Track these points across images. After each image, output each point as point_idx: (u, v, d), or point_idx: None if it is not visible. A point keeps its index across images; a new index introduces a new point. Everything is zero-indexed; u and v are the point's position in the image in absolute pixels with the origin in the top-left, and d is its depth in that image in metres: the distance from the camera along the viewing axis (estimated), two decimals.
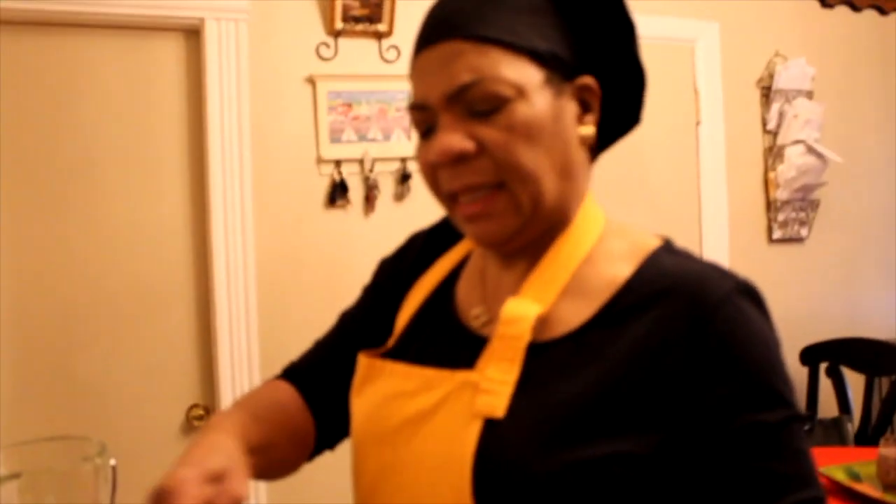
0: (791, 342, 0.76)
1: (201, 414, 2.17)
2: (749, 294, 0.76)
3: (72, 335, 2.07)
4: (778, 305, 0.77)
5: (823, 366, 2.77)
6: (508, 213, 0.78)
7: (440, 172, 0.80)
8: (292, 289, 2.21)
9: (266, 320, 2.17)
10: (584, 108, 0.82)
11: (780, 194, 2.91)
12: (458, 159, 0.77)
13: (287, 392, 0.99)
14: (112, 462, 0.80)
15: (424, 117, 0.81)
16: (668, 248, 0.82)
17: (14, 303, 2.02)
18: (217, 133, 2.12)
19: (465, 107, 0.77)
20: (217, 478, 0.73)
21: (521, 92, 0.76)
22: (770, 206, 2.92)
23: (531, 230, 0.80)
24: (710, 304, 0.73)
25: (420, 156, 0.82)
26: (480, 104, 0.76)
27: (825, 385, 2.76)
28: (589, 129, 0.82)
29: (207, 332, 2.17)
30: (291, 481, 2.28)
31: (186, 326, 2.17)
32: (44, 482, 0.75)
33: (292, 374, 1.02)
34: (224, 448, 0.77)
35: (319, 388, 0.99)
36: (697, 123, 2.79)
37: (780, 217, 2.93)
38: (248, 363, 2.15)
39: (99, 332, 2.09)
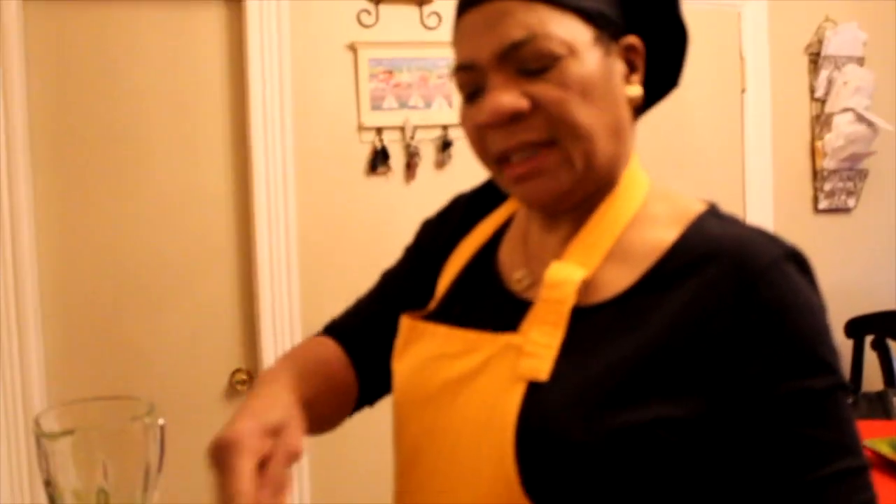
0: (836, 314, 0.76)
1: (244, 379, 2.20)
2: (796, 260, 0.74)
3: (118, 299, 2.11)
4: (823, 277, 0.76)
5: (869, 339, 2.73)
6: (561, 170, 0.77)
7: (489, 134, 0.79)
8: (333, 255, 2.23)
9: (307, 286, 2.19)
10: (631, 68, 0.81)
11: (828, 163, 2.85)
12: (511, 118, 0.76)
13: (331, 348, 1.00)
14: (161, 422, 0.81)
15: (471, 79, 0.79)
16: (713, 212, 0.81)
17: (61, 267, 2.06)
18: (259, 101, 2.13)
19: (516, 65, 0.76)
20: (275, 431, 0.74)
21: (572, 50, 0.75)
22: (816, 175, 2.86)
23: (581, 190, 0.79)
24: (756, 270, 0.72)
25: (467, 119, 0.81)
26: (532, 62, 0.75)
27: (870, 358, 2.72)
28: (636, 90, 0.81)
29: (250, 299, 2.20)
30: (332, 444, 2.31)
31: (229, 292, 2.20)
32: (95, 440, 0.77)
33: (334, 330, 1.03)
34: (282, 401, 0.78)
35: (359, 345, 1.00)
36: (743, 91, 2.74)
37: (827, 187, 2.87)
38: (290, 329, 2.17)
39: (144, 297, 2.13)
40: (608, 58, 0.78)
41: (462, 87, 0.81)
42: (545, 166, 0.77)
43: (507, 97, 0.76)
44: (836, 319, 2.84)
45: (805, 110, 2.84)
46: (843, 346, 2.74)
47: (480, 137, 0.80)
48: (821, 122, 2.85)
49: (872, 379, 2.74)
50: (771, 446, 0.71)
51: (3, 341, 1.92)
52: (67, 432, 0.76)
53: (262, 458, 0.71)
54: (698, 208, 0.81)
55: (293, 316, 2.17)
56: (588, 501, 0.72)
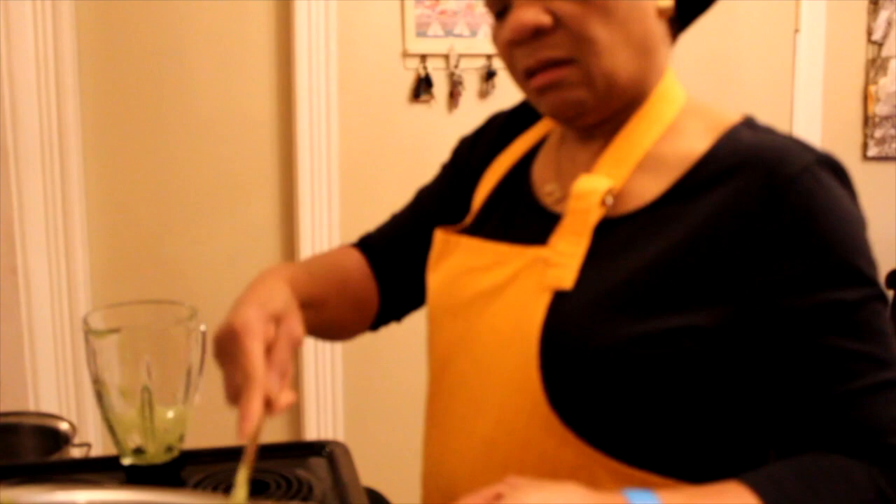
0: (879, 265, 0.75)
1: None
2: (831, 167, 0.73)
3: (161, 220, 2.15)
4: (868, 226, 0.75)
5: None
6: (580, 85, 0.77)
7: (516, 50, 0.79)
8: (374, 181, 2.24)
9: (348, 212, 2.21)
10: None
11: (880, 109, 2.78)
12: (535, 34, 0.77)
13: (354, 258, 1.02)
14: (202, 327, 0.84)
15: None
16: (748, 123, 0.80)
17: (107, 188, 2.10)
18: (304, 24, 2.12)
19: None
20: (277, 319, 0.76)
21: None
22: (868, 121, 2.80)
23: (606, 105, 0.79)
24: (788, 175, 0.71)
25: (496, 36, 0.82)
26: None
27: None
28: (667, 1, 0.79)
29: (290, 224, 2.22)
30: (368, 353, 2.35)
31: (270, 217, 2.22)
32: (140, 339, 0.80)
33: (365, 244, 1.05)
34: (281, 293, 0.80)
35: (390, 259, 1.02)
36: (796, 31, 2.67)
37: (878, 133, 2.81)
38: None
39: (187, 219, 2.16)
40: None
41: (491, 5, 0.82)
42: (563, 79, 0.78)
43: (529, 13, 0.76)
44: (879, 270, 2.79)
45: (861, 53, 2.76)
46: None
47: (510, 54, 0.81)
48: (876, 65, 2.77)
49: None
50: (800, 357, 0.70)
51: (52, 253, 1.97)
52: (113, 330, 0.79)
53: (267, 344, 0.73)
54: (733, 119, 0.80)
55: (332, 241, 2.20)
56: (608, 411, 0.73)
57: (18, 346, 1.93)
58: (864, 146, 2.81)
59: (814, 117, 2.72)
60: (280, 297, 0.80)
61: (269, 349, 0.74)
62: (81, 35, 2.02)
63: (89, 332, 0.80)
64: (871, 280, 0.72)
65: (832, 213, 0.71)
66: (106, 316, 0.84)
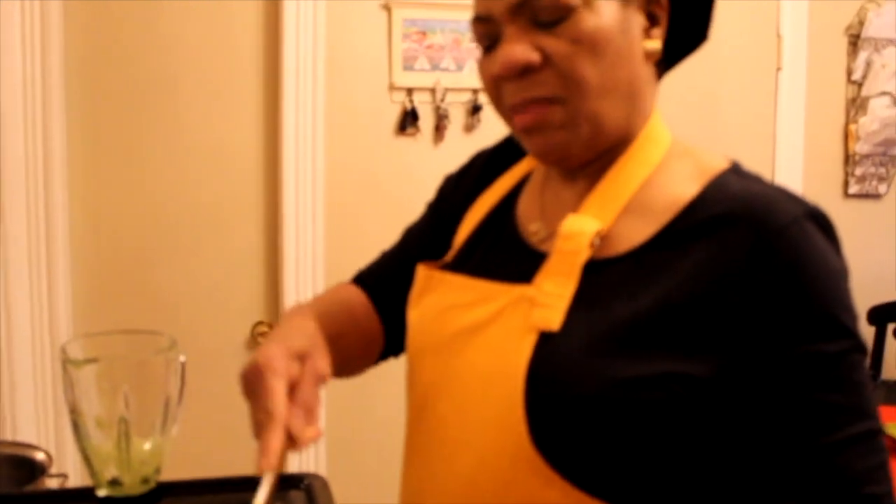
0: (859, 301, 0.75)
1: (265, 331, 2.23)
2: (818, 220, 0.74)
3: (145, 245, 2.14)
4: (848, 262, 0.76)
5: (892, 326, 2.71)
6: (564, 128, 0.77)
7: (504, 86, 0.79)
8: (359, 212, 2.24)
9: (332, 242, 2.21)
10: (652, 21, 0.80)
11: (860, 147, 2.82)
12: (523, 71, 0.76)
13: (357, 295, 1.02)
14: (182, 358, 0.84)
15: (487, 30, 0.80)
16: (735, 169, 0.80)
17: (92, 211, 2.09)
18: (292, 56, 2.13)
19: (530, 17, 0.76)
20: (302, 356, 0.76)
21: (587, 1, 0.75)
22: (848, 159, 2.83)
23: (590, 148, 0.79)
24: (775, 228, 0.72)
25: (483, 69, 0.81)
26: (545, 14, 0.75)
27: (892, 346, 2.70)
28: (655, 44, 0.79)
29: (275, 253, 2.22)
30: (348, 393, 2.33)
31: (255, 245, 2.22)
32: (118, 369, 0.80)
33: (361, 281, 1.04)
34: (307, 330, 0.81)
35: (384, 295, 1.01)
36: (778, 69, 2.70)
37: (858, 171, 2.84)
38: (313, 286, 2.20)
39: (171, 244, 2.16)
40: (626, 10, 0.77)
41: (479, 38, 0.82)
42: (549, 120, 0.77)
43: (518, 49, 0.76)
44: (859, 305, 2.80)
45: (841, 92, 2.80)
46: (865, 332, 2.73)
47: (496, 88, 0.81)
48: (856, 105, 2.81)
49: (893, 366, 2.72)
50: (784, 409, 0.71)
51: (34, 280, 1.96)
52: (91, 360, 0.79)
53: (291, 381, 0.74)
54: (720, 165, 0.80)
55: (316, 272, 2.20)
56: (595, 454, 0.73)
57: None
58: (846, 184, 2.84)
59: (795, 155, 2.75)
60: (305, 333, 0.80)
61: (294, 386, 0.74)
62: (69, 63, 2.02)
63: (67, 362, 0.80)
64: (851, 332, 0.72)
65: (817, 267, 0.71)
66: (84, 345, 0.84)
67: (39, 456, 1.22)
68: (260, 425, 0.72)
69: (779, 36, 2.69)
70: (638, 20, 0.78)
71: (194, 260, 2.17)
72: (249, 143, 2.19)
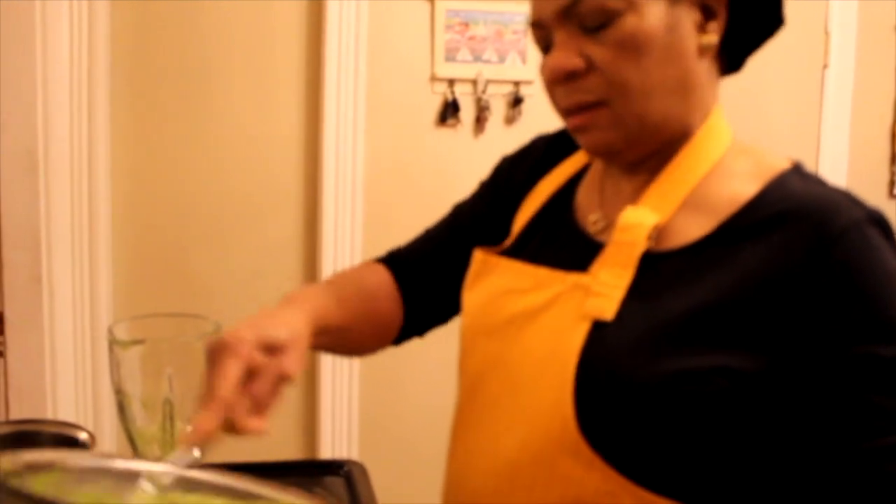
0: None
1: None
2: (879, 224, 0.73)
3: (185, 233, 2.16)
4: None
5: None
6: (610, 128, 0.78)
7: (555, 88, 0.81)
8: (398, 203, 2.25)
9: (370, 232, 2.22)
10: (707, 15, 0.79)
11: None
12: (569, 77, 0.78)
13: (380, 276, 1.02)
14: None
15: (542, 35, 0.82)
16: (797, 170, 0.80)
17: (134, 198, 2.12)
18: (335, 47, 2.14)
19: (577, 22, 0.77)
20: (273, 349, 0.76)
21: (631, 4, 0.75)
22: (894, 158, 2.78)
23: (640, 146, 0.80)
24: (835, 230, 0.71)
25: (541, 72, 0.83)
26: (590, 19, 0.76)
27: None
28: (711, 38, 0.79)
29: (313, 244, 2.23)
30: (381, 378, 2.34)
31: (294, 236, 2.23)
32: (163, 352, 0.81)
33: (393, 259, 1.05)
34: (291, 323, 0.80)
35: (420, 274, 1.02)
36: (825, 67, 2.66)
37: None
38: None
39: (210, 233, 2.18)
40: (675, 8, 0.77)
41: (537, 41, 0.84)
42: (595, 122, 0.79)
43: (562, 56, 0.78)
44: None
45: (889, 90, 2.75)
46: None
47: (551, 91, 0.83)
48: None
49: None
50: (832, 410, 0.70)
51: (76, 265, 1.99)
52: (138, 342, 0.80)
53: (251, 368, 0.73)
54: (782, 165, 0.80)
55: (354, 261, 2.20)
56: (639, 442, 0.73)
57: (39, 354, 1.95)
58: (891, 183, 2.80)
59: (841, 154, 2.71)
60: (288, 327, 0.80)
61: (252, 375, 0.74)
62: (114, 51, 2.05)
63: (114, 343, 0.81)
64: None
65: (876, 270, 0.71)
66: (130, 327, 0.85)
67: (82, 435, 1.24)
68: (202, 401, 0.72)
69: (826, 33, 2.64)
70: (690, 16, 0.78)
71: (233, 249, 2.19)
72: (291, 133, 2.20)
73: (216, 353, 0.74)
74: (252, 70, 2.16)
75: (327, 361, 2.20)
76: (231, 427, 0.71)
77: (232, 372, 0.72)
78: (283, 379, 0.76)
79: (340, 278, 1.03)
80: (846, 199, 0.75)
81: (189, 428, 0.70)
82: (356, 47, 2.16)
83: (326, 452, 2.23)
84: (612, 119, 0.78)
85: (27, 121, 1.87)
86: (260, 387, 0.74)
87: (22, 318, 1.92)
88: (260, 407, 0.73)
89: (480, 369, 0.86)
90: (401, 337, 1.04)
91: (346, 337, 0.93)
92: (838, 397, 0.70)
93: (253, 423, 0.72)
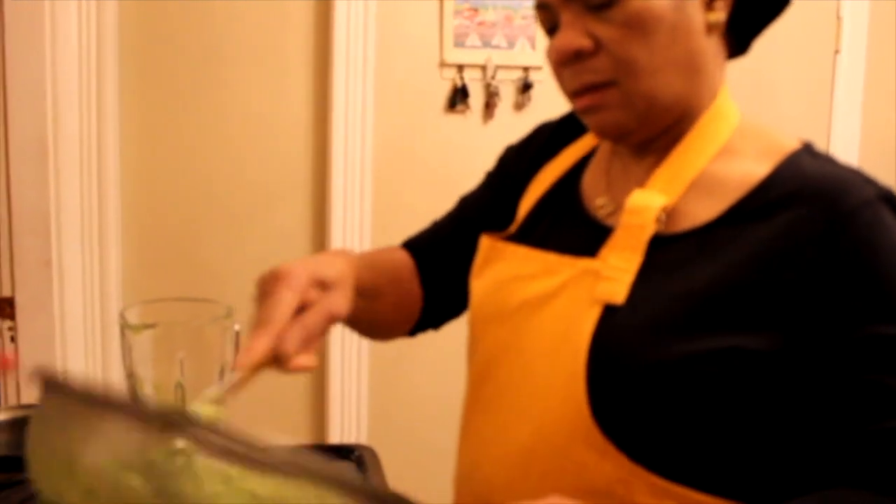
0: None
1: None
2: (891, 203, 0.73)
3: (194, 220, 2.17)
4: None
5: None
6: (619, 108, 0.78)
7: (562, 70, 0.80)
8: (407, 188, 2.25)
9: (379, 218, 2.22)
10: None
11: None
12: (576, 57, 0.77)
13: (404, 258, 1.02)
14: (237, 327, 0.85)
15: (548, 16, 0.81)
16: (808, 150, 0.79)
17: (144, 183, 2.12)
18: (343, 32, 2.14)
19: (583, 2, 0.76)
20: (324, 285, 0.76)
21: None
22: None
23: (649, 125, 0.80)
24: (847, 209, 0.71)
25: (547, 55, 0.83)
26: None
27: None
28: (718, 16, 0.78)
29: (322, 229, 2.23)
30: (389, 364, 2.35)
31: (303, 222, 2.24)
32: (175, 336, 0.81)
33: (410, 246, 1.05)
34: (338, 265, 0.80)
35: (434, 264, 1.02)
36: (836, 52, 2.65)
37: None
38: None
39: (219, 218, 2.18)
40: None
41: (542, 23, 0.83)
42: (605, 102, 0.78)
43: (569, 36, 0.77)
44: None
45: None
46: None
47: (558, 72, 0.82)
48: None
49: None
50: (843, 388, 0.70)
51: (86, 251, 2.00)
52: (149, 326, 0.80)
53: (303, 302, 0.73)
54: (792, 145, 0.80)
55: (363, 247, 2.20)
56: (652, 427, 0.73)
57: (49, 338, 1.96)
58: None
59: (851, 139, 2.70)
60: (336, 269, 0.80)
61: (302, 308, 0.74)
62: (123, 36, 2.05)
63: (126, 327, 0.81)
64: None
65: (888, 249, 0.71)
66: (142, 312, 0.85)
67: None
68: (255, 327, 0.72)
69: (838, 18, 2.63)
70: None
71: (242, 234, 2.20)
72: (300, 119, 2.20)
73: (271, 284, 0.74)
74: (260, 56, 2.16)
75: (336, 347, 2.21)
76: (279, 360, 0.71)
77: (287, 302, 0.72)
78: (332, 317, 0.76)
79: (373, 253, 1.03)
80: (858, 178, 0.75)
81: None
82: (365, 33, 2.15)
83: (335, 438, 2.25)
84: (621, 99, 0.77)
85: (37, 107, 1.88)
86: (310, 320, 0.73)
87: (32, 302, 1.93)
88: (308, 341, 0.73)
89: (490, 356, 0.86)
90: (417, 327, 1.04)
91: (373, 304, 0.93)
92: (848, 377, 0.70)
93: (303, 358, 0.72)
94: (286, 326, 0.71)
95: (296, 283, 0.73)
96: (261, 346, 0.69)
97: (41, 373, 0.56)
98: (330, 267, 0.79)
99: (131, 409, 0.54)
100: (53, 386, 0.54)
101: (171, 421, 0.52)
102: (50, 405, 0.54)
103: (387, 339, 1.04)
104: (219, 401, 0.66)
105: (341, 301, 0.77)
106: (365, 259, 0.94)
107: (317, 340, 0.74)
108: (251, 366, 0.69)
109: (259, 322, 0.72)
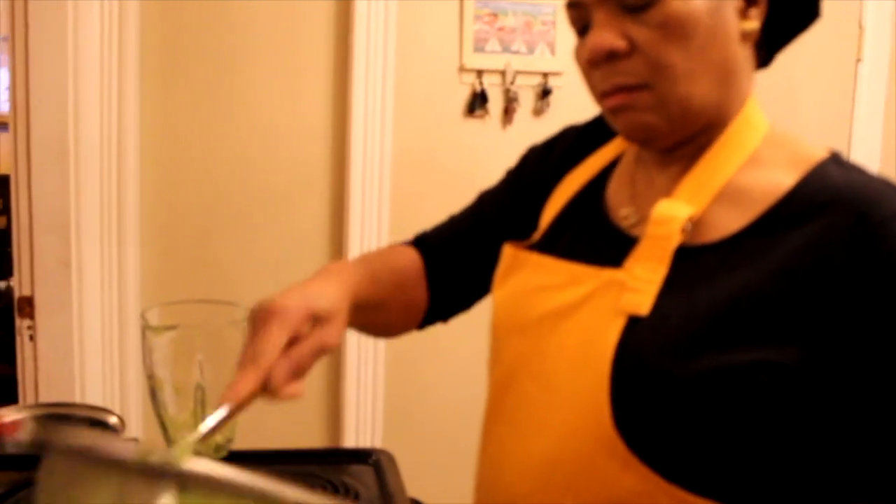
0: None
1: None
2: None
3: (212, 221, 2.17)
4: None
5: None
6: (652, 110, 0.77)
7: (594, 71, 0.79)
8: (425, 193, 2.25)
9: (397, 223, 2.22)
10: (749, 0, 0.78)
11: None
12: (609, 57, 0.76)
13: (410, 258, 1.02)
14: None
15: (579, 15, 0.79)
16: (836, 159, 0.78)
17: (163, 184, 2.13)
18: (363, 36, 2.14)
19: (618, 2, 0.75)
20: (317, 319, 0.76)
21: None
22: None
23: (680, 130, 0.78)
24: (878, 220, 0.70)
25: (577, 55, 0.81)
26: None
27: None
28: (752, 24, 0.78)
29: (340, 234, 2.24)
30: (406, 368, 2.34)
31: (321, 226, 2.24)
32: (195, 337, 0.81)
33: (421, 242, 1.05)
34: (332, 295, 0.80)
35: (445, 259, 1.02)
36: (858, 61, 2.63)
37: None
38: None
39: (238, 221, 2.19)
40: None
41: (573, 22, 0.81)
42: (636, 104, 0.77)
43: (604, 36, 0.76)
44: None
45: None
46: None
47: (588, 73, 0.81)
48: None
49: None
50: (871, 404, 0.69)
51: (105, 251, 2.01)
52: (170, 327, 0.81)
53: (294, 336, 0.73)
54: (820, 154, 0.78)
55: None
56: (676, 440, 0.72)
57: (68, 338, 1.97)
58: None
59: (873, 148, 2.68)
60: (331, 298, 0.80)
61: (293, 342, 0.74)
62: (144, 38, 2.06)
63: (146, 328, 0.82)
64: None
65: None
66: (162, 313, 0.86)
67: (112, 419, 1.25)
68: (242, 363, 0.72)
69: (860, 27, 2.61)
70: (732, 1, 0.77)
71: (260, 237, 2.20)
72: (319, 123, 2.20)
73: (263, 318, 0.74)
74: (280, 60, 2.16)
75: (353, 350, 2.21)
76: (267, 389, 0.71)
77: (278, 338, 0.72)
78: (323, 350, 0.76)
79: (373, 256, 1.02)
80: (888, 188, 0.73)
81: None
82: (385, 37, 2.15)
83: (350, 441, 2.25)
84: (654, 102, 0.76)
85: (58, 107, 1.89)
86: (301, 353, 0.73)
87: (51, 302, 1.94)
88: (297, 374, 0.73)
89: (513, 366, 0.85)
90: (425, 321, 1.04)
91: (376, 315, 0.93)
92: (876, 391, 0.69)
93: (291, 388, 0.72)
94: (276, 362, 0.71)
95: (288, 320, 0.73)
96: (249, 382, 0.70)
97: (43, 436, 0.56)
98: (323, 297, 0.79)
99: (121, 463, 0.54)
100: (55, 446, 0.54)
101: (155, 472, 0.53)
102: (54, 465, 0.54)
103: (390, 338, 1.05)
104: (205, 438, 0.66)
105: (333, 333, 0.77)
106: (367, 268, 0.93)
107: (306, 372, 0.74)
108: (238, 402, 0.69)
109: (248, 357, 0.71)
